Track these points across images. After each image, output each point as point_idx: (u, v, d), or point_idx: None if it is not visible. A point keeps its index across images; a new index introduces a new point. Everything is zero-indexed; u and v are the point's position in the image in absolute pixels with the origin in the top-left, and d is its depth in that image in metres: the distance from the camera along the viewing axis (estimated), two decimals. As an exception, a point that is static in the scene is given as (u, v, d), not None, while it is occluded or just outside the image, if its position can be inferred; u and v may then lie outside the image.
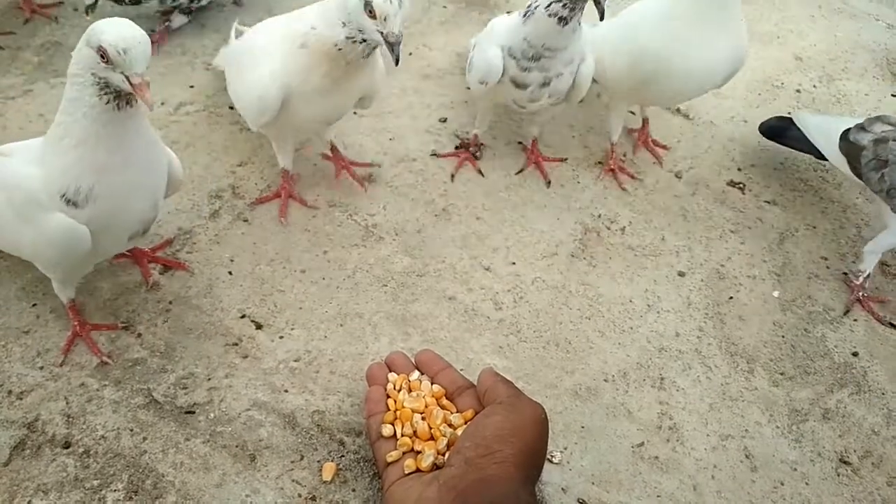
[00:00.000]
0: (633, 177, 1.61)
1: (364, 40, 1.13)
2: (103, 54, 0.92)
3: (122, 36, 0.91)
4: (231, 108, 1.63)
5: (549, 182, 1.56)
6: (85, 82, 0.96)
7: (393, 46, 1.11)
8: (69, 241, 1.03)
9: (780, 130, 1.61)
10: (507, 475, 0.90)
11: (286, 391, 1.16)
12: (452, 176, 1.53)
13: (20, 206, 1.04)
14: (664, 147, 1.69)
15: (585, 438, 1.15)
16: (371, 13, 1.08)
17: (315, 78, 1.20)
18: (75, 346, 1.17)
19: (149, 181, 1.08)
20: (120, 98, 0.96)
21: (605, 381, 1.23)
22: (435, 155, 1.58)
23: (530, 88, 1.39)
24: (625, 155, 1.66)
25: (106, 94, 0.96)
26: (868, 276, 1.40)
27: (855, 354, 1.32)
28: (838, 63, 2.01)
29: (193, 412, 1.12)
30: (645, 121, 1.68)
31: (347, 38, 1.13)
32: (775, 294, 1.41)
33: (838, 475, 1.16)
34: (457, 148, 1.60)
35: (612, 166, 1.60)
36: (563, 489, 1.09)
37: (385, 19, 1.08)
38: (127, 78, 0.92)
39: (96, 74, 0.94)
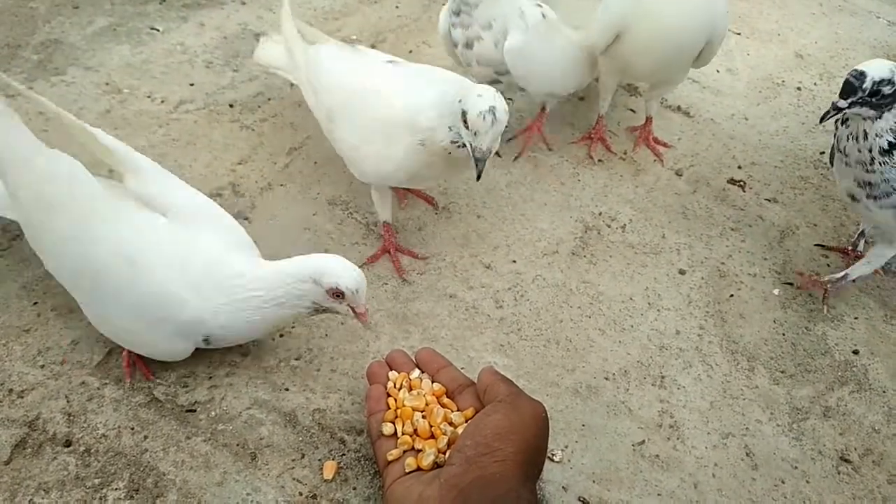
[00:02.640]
0: (608, 149, 1.64)
1: (464, 145, 1.13)
2: (337, 294, 1.04)
3: (355, 279, 1.04)
4: (231, 105, 1.63)
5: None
6: (301, 305, 1.06)
7: (478, 161, 1.11)
8: (177, 356, 1.11)
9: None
10: (508, 473, 0.90)
11: (287, 389, 1.16)
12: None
13: (153, 317, 1.05)
14: (665, 145, 1.69)
15: (586, 437, 1.15)
16: (465, 123, 1.10)
17: (430, 167, 1.23)
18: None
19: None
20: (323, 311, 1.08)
21: (606, 379, 1.23)
22: None
23: (458, 48, 1.44)
24: (625, 152, 1.66)
25: (317, 311, 1.08)
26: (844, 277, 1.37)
27: (855, 352, 1.32)
28: (839, 60, 2.01)
29: (194, 410, 1.12)
30: (648, 119, 1.68)
31: (452, 142, 1.15)
32: (776, 292, 1.41)
33: (839, 473, 1.16)
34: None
35: (590, 135, 1.64)
36: (563, 487, 1.09)
37: (475, 133, 1.09)
38: (352, 308, 1.06)
39: (319, 305, 1.06)
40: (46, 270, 1.14)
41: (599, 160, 1.63)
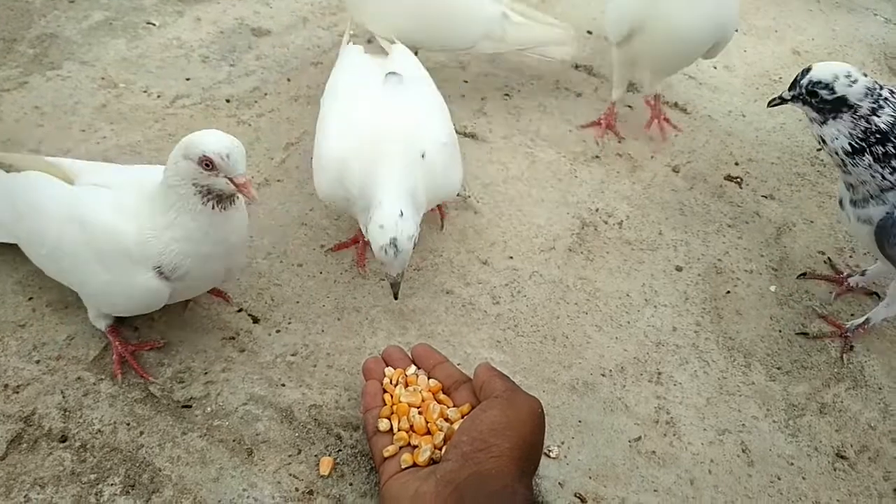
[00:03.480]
0: (617, 135, 1.67)
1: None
2: (208, 163, 0.98)
3: (222, 144, 0.99)
4: (228, 101, 1.62)
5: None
6: (187, 192, 1.01)
7: (392, 286, 1.13)
8: (149, 299, 1.08)
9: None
10: (504, 469, 0.90)
11: (283, 385, 1.16)
12: None
13: (106, 253, 1.05)
14: (675, 127, 1.71)
15: (582, 433, 1.15)
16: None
17: None
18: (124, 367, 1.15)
19: (235, 259, 1.15)
20: (222, 200, 1.03)
21: (603, 375, 1.23)
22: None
23: None
24: (619, 141, 1.66)
25: (209, 199, 1.02)
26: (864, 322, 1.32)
27: (852, 349, 1.32)
28: (836, 57, 2.01)
29: (190, 406, 1.11)
30: (657, 97, 1.69)
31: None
32: (772, 289, 1.41)
33: (835, 470, 1.16)
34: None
35: (599, 120, 1.68)
36: (560, 483, 1.09)
37: (382, 263, 1.10)
38: (231, 180, 1.00)
39: (198, 183, 1.00)
40: (42, 265, 1.14)
41: (596, 156, 1.62)
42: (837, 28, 2.11)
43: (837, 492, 1.13)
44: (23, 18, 1.76)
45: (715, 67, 1.92)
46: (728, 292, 1.39)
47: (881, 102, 1.10)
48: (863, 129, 1.11)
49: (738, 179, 1.62)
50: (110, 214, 1.06)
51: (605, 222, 1.49)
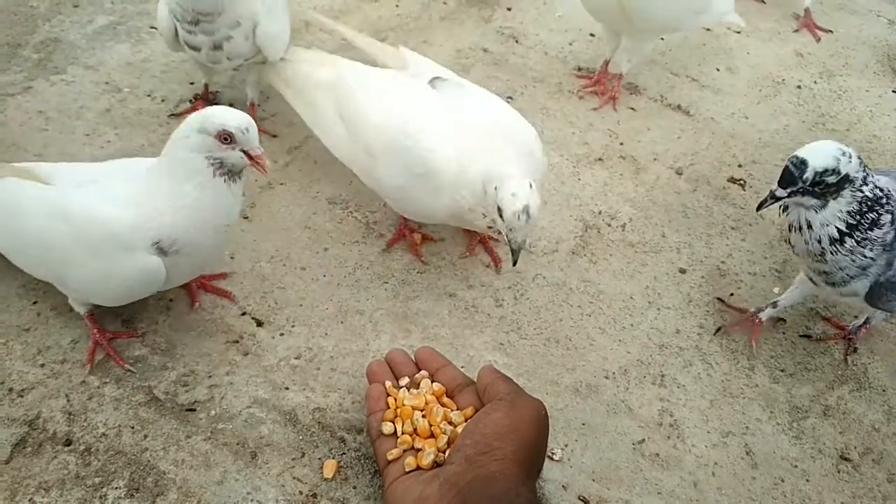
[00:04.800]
0: (614, 105, 1.75)
1: (500, 231, 1.16)
2: (227, 137, 1.02)
3: (241, 118, 1.04)
4: (231, 105, 1.62)
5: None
6: (199, 165, 1.04)
7: (514, 252, 1.15)
8: (148, 280, 1.08)
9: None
10: (508, 472, 0.90)
11: (287, 388, 1.16)
12: None
13: (96, 242, 1.06)
14: (614, 98, 1.76)
15: (586, 435, 1.15)
16: (501, 215, 1.13)
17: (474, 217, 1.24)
18: (99, 355, 1.16)
19: (229, 231, 1.15)
20: (231, 173, 1.07)
21: (606, 378, 1.23)
22: None
23: (204, 51, 1.41)
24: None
25: (220, 172, 1.05)
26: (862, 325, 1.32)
27: (855, 350, 1.32)
28: (839, 59, 2.00)
29: (194, 410, 1.12)
30: (619, 76, 1.75)
31: (489, 226, 1.21)
32: (776, 290, 1.40)
33: (839, 472, 1.16)
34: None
35: (599, 78, 1.77)
36: (563, 486, 1.09)
37: (511, 229, 1.13)
38: (246, 153, 1.04)
39: (212, 156, 1.04)
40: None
41: (599, 159, 1.62)
42: (841, 29, 2.11)
43: (841, 494, 1.13)
44: (27, 23, 1.77)
45: (718, 69, 1.92)
46: (731, 294, 1.39)
47: (863, 169, 1.07)
48: (859, 200, 1.07)
49: (742, 181, 1.62)
50: (98, 204, 1.06)
51: (609, 225, 1.49)
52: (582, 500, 1.08)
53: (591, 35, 1.95)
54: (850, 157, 1.06)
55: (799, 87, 1.89)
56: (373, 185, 1.32)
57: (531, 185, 1.12)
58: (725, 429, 1.19)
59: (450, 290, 1.33)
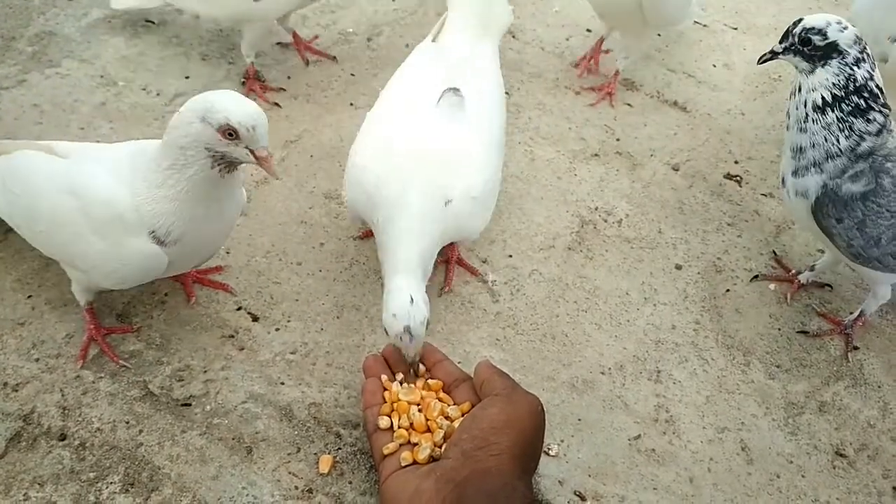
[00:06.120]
0: (611, 101, 1.76)
1: None
2: (231, 132, 0.93)
3: (248, 113, 0.94)
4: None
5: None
6: (196, 154, 0.96)
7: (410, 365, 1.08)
8: (146, 266, 1.05)
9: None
10: (504, 467, 0.90)
11: (282, 383, 1.16)
12: None
13: (101, 221, 1.02)
14: (610, 94, 1.77)
15: (582, 431, 1.16)
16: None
17: None
18: (93, 350, 1.16)
19: (227, 226, 1.12)
20: (231, 166, 0.99)
21: (602, 373, 1.23)
22: None
23: None
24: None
25: (219, 165, 0.97)
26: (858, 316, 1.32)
27: (856, 348, 1.32)
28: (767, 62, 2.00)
29: (190, 404, 1.11)
30: (615, 73, 1.76)
31: None
32: (772, 287, 1.41)
33: (834, 468, 1.16)
34: None
35: (602, 87, 1.77)
36: (559, 482, 1.09)
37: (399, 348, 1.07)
38: (251, 151, 0.95)
39: (212, 149, 0.95)
40: (41, 263, 1.14)
41: (595, 154, 1.62)
42: (837, 26, 2.11)
43: (837, 490, 1.13)
44: (21, 16, 1.76)
45: (714, 66, 1.92)
46: (727, 290, 1.39)
47: (864, 55, 1.13)
48: (846, 76, 1.13)
49: (738, 178, 1.62)
50: (105, 181, 1.03)
51: (605, 220, 1.49)
52: (578, 496, 1.08)
53: (588, 31, 1.94)
54: (844, 28, 1.13)
55: (795, 83, 1.89)
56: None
57: (412, 300, 1.04)
58: (721, 424, 1.19)
59: (446, 286, 1.33)
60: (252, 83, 1.64)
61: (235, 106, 0.94)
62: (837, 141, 1.14)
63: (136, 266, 1.05)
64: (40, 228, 1.10)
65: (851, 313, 1.33)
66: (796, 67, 1.18)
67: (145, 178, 1.01)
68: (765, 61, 1.24)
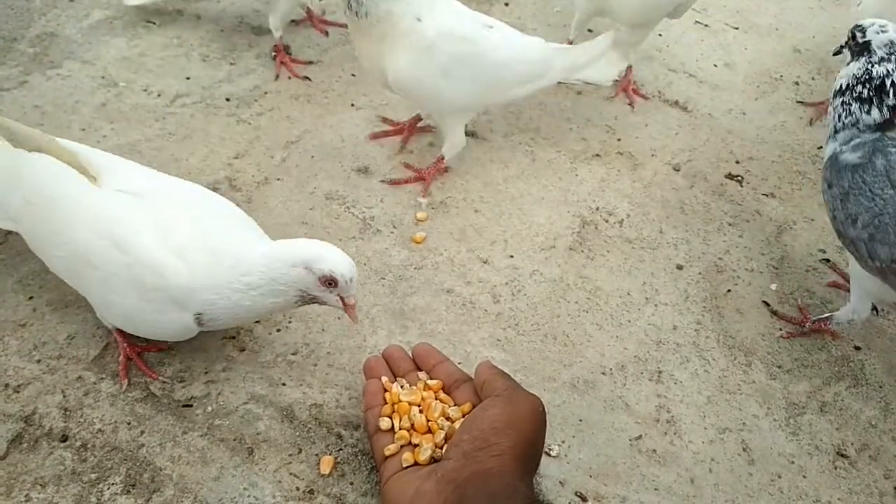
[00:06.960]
0: (643, 97, 1.78)
1: None
2: (330, 282, 1.01)
3: (350, 267, 1.01)
4: (227, 99, 1.62)
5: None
6: (288, 292, 1.02)
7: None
8: (178, 334, 1.08)
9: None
10: (505, 468, 0.90)
11: (284, 384, 1.16)
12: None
13: (146, 287, 1.02)
14: (643, 96, 1.78)
15: (583, 431, 1.15)
16: None
17: None
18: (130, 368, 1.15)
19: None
20: (310, 302, 1.05)
21: (603, 374, 1.23)
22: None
23: None
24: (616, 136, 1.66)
25: (304, 301, 1.04)
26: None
27: (858, 348, 1.32)
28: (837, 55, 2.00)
29: (191, 405, 1.11)
30: (629, 68, 1.74)
31: None
32: (773, 287, 1.40)
33: (835, 468, 1.16)
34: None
35: (624, 86, 1.77)
36: (560, 482, 1.09)
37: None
38: (342, 300, 1.03)
39: (307, 292, 1.02)
40: (42, 265, 1.13)
41: (597, 155, 1.62)
42: (838, 26, 2.11)
43: (838, 490, 1.13)
44: (23, 17, 1.76)
45: (715, 65, 1.91)
46: (729, 291, 1.39)
47: (891, 58, 1.21)
48: (866, 70, 1.22)
49: (739, 178, 1.62)
50: (155, 244, 1.01)
51: (606, 221, 1.49)
52: (579, 496, 1.08)
53: (590, 31, 1.94)
54: (882, 31, 1.22)
55: (797, 83, 1.89)
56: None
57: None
58: (722, 425, 1.19)
59: (447, 287, 1.33)
60: (282, 56, 1.72)
61: (339, 260, 1.01)
62: (839, 118, 1.24)
63: (167, 332, 1.08)
64: (59, 254, 1.07)
65: (823, 314, 1.32)
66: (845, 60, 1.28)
67: (213, 273, 1.01)
68: (836, 53, 1.34)
